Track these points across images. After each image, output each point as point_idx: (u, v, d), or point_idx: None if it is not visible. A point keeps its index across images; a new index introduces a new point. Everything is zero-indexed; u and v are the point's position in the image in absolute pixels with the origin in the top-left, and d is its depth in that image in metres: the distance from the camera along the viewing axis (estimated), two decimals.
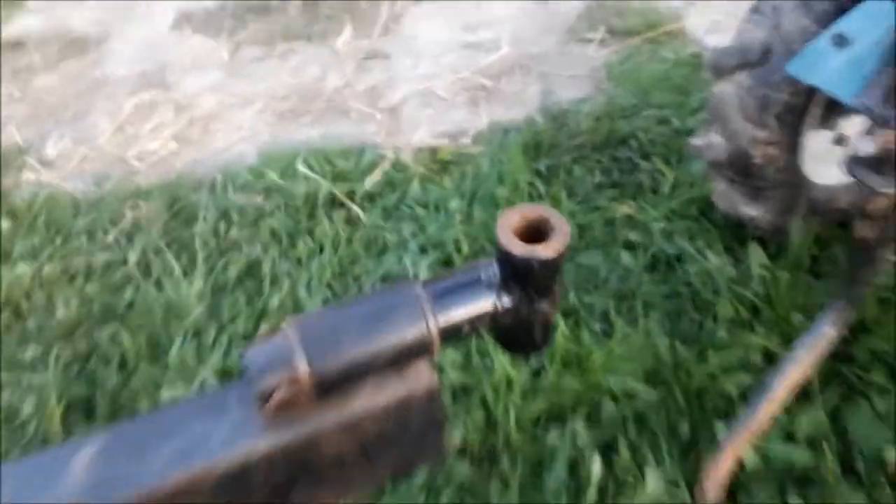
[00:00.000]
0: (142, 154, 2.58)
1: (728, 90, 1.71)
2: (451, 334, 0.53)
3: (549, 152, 2.28)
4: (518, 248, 0.51)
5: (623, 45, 2.83)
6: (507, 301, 0.54)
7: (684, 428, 1.46)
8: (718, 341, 1.59)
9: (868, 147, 1.10)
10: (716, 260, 1.77)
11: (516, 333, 0.57)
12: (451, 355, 1.63)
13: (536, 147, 2.28)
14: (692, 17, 2.92)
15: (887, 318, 1.57)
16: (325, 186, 2.14)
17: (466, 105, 2.62)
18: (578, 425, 1.50)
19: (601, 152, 2.26)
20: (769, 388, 1.24)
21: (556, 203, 2.06)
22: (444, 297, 0.53)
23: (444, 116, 2.56)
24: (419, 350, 0.52)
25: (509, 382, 1.58)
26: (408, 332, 0.51)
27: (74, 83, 3.02)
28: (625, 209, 2.02)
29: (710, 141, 1.79)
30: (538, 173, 2.18)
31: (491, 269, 0.54)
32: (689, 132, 2.26)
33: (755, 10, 1.67)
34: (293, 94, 2.79)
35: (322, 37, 3.08)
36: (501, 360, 1.59)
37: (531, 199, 2.07)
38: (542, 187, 2.12)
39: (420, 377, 0.54)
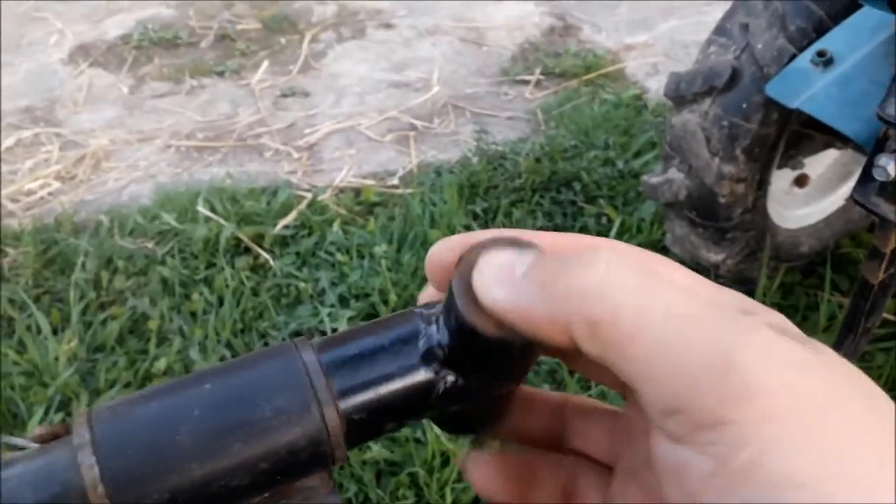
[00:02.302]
0: (16, 194, 2.23)
1: (691, 120, 1.52)
2: (364, 432, 0.28)
3: (486, 194, 2.06)
4: (490, 325, 0.26)
5: (560, 87, 2.68)
6: (452, 380, 0.29)
7: None
8: None
9: (887, 171, 0.90)
10: None
11: (459, 415, 0.31)
12: None
13: (472, 188, 2.06)
14: (630, 60, 2.80)
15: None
16: (228, 230, 1.84)
17: (394, 145, 2.39)
18: None
19: (542, 194, 2.05)
20: None
21: None
22: (350, 370, 0.28)
23: (370, 156, 2.32)
24: (305, 462, 0.27)
25: (445, 458, 1.30)
26: (284, 433, 0.26)
27: None
28: None
29: (669, 178, 1.59)
30: (475, 216, 1.95)
31: (431, 332, 0.29)
32: (636, 174, 2.08)
33: (720, 32, 1.50)
34: (200, 131, 2.50)
35: (235, 73, 2.81)
36: (435, 431, 1.32)
37: None
38: (479, 231, 1.88)
39: None
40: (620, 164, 2.11)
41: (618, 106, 2.47)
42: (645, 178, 1.66)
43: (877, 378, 1.42)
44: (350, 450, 0.28)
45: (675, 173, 1.56)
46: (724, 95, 1.46)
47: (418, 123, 2.49)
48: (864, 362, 1.44)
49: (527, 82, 2.74)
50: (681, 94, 1.52)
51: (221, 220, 1.88)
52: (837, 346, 1.09)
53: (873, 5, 1.22)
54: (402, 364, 0.28)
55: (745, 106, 1.44)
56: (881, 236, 0.95)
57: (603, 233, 1.88)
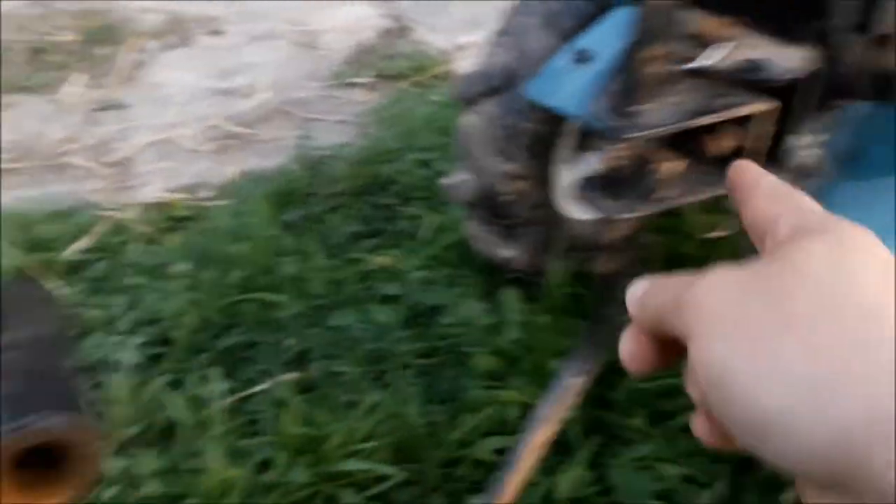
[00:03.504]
0: None
1: (475, 122, 1.53)
2: None
3: (303, 202, 2.01)
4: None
5: (392, 88, 2.66)
6: None
7: None
8: (473, 400, 1.36)
9: (595, 166, 0.92)
10: (474, 308, 1.56)
11: None
12: (150, 461, 1.27)
13: (287, 196, 2.00)
14: (462, 59, 2.81)
15: None
16: (14, 259, 1.72)
17: (213, 155, 2.30)
18: None
19: (361, 199, 2.03)
20: (515, 455, 1.02)
21: (307, 258, 1.78)
22: None
23: (185, 168, 2.23)
24: None
25: (227, 485, 1.25)
26: None
27: None
28: (380, 261, 1.77)
29: (462, 178, 1.60)
30: (287, 225, 1.90)
31: None
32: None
33: (502, 33, 1.51)
34: (4, 152, 2.33)
35: (47, 87, 2.65)
36: (216, 457, 1.27)
37: (276, 255, 1.78)
38: (290, 241, 1.83)
39: None
40: (438, 165, 2.11)
41: (445, 106, 2.47)
42: (443, 179, 1.66)
43: None
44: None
45: (464, 174, 1.57)
46: (503, 96, 1.47)
47: (242, 131, 2.42)
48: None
49: (360, 85, 2.71)
50: (464, 96, 1.52)
51: (8, 249, 1.75)
52: (585, 338, 1.11)
53: (624, 4, 1.26)
54: None
55: (521, 106, 1.44)
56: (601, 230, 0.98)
57: (415, 233, 1.88)
